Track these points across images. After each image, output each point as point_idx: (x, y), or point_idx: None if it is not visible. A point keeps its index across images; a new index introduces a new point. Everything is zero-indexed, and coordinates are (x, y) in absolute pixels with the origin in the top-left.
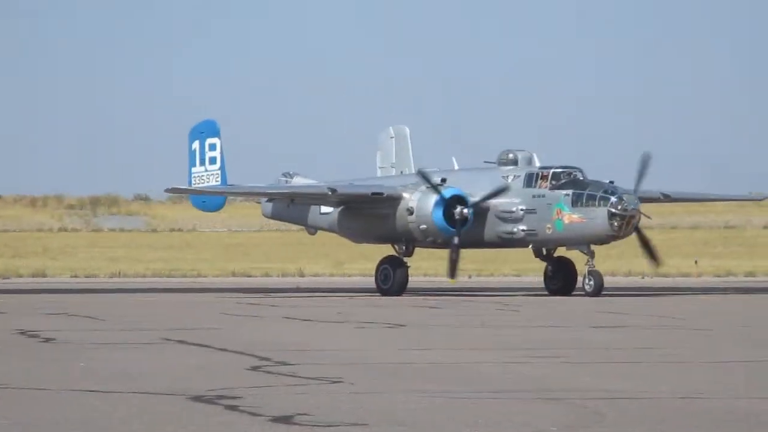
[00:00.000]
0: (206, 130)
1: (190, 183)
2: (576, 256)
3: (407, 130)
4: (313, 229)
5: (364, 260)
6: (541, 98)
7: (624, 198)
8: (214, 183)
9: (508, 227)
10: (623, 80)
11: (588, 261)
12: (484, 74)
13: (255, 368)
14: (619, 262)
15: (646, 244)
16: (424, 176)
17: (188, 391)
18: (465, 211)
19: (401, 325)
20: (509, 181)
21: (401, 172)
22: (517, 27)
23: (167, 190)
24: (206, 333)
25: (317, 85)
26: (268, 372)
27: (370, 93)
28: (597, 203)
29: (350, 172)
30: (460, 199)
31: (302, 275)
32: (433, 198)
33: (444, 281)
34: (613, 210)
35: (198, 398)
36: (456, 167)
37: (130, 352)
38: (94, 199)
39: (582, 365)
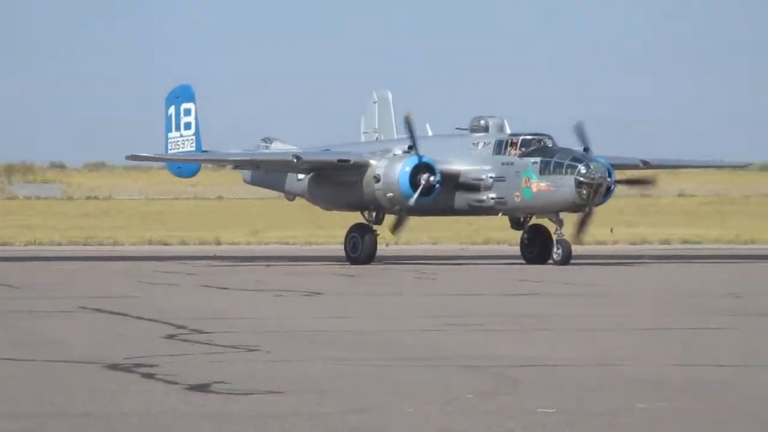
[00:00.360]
0: (182, 94)
1: (166, 148)
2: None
3: (389, 95)
4: (291, 196)
5: (282, 228)
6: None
7: (591, 166)
8: (189, 148)
9: (478, 195)
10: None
11: (557, 230)
12: (468, 40)
13: (171, 336)
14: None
15: (587, 217)
16: (409, 125)
17: (105, 359)
18: (431, 178)
19: (318, 293)
20: (479, 148)
21: (381, 137)
22: None
23: (128, 157)
24: (123, 301)
25: (304, 50)
26: (184, 340)
27: (356, 57)
28: (564, 171)
29: (334, 137)
30: (427, 167)
31: (219, 243)
32: (399, 165)
33: (417, 247)
34: (581, 178)
35: (114, 366)
36: (429, 134)
37: (46, 320)
38: (9, 167)
39: (498, 333)
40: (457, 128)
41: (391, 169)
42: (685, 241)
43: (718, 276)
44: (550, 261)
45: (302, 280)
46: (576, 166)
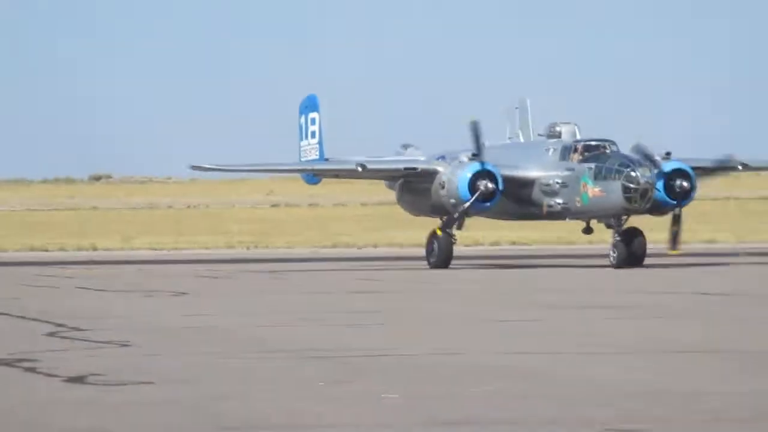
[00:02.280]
0: (309, 104)
1: (300, 157)
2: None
3: (528, 102)
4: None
5: (151, 235)
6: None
7: (638, 171)
8: (313, 156)
9: (548, 200)
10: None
11: (614, 233)
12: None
13: (51, 334)
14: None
15: (676, 223)
16: (475, 131)
17: None
18: (489, 185)
19: (185, 293)
20: (549, 154)
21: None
22: None
23: (192, 167)
24: (5, 302)
25: (442, 56)
26: (64, 337)
27: (495, 63)
28: (614, 176)
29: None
30: (488, 174)
31: (95, 249)
32: (460, 173)
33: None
34: (626, 183)
35: None
36: (521, 140)
37: None
38: None
39: (345, 327)
40: (539, 134)
41: (453, 177)
42: (513, 243)
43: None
44: (610, 263)
45: (170, 282)
46: (623, 171)
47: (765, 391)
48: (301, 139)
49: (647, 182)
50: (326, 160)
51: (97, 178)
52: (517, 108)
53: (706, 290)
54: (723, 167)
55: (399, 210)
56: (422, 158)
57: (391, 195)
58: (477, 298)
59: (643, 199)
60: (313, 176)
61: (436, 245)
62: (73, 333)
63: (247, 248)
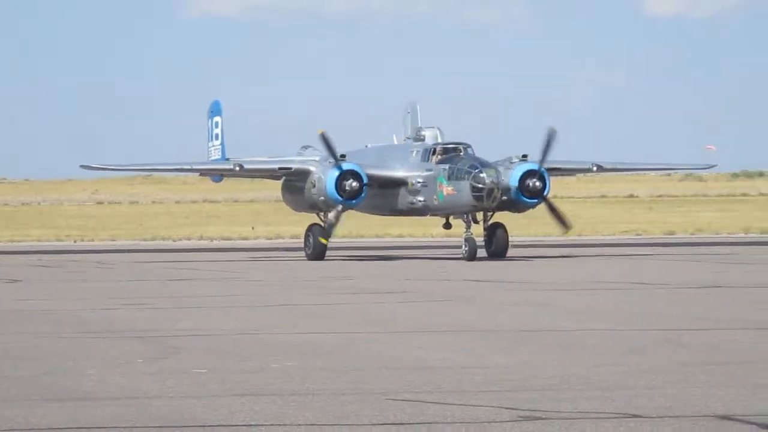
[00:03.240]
0: (215, 109)
1: (208, 157)
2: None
3: (417, 106)
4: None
5: None
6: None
7: (483, 172)
8: (216, 156)
9: (411, 198)
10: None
11: (466, 229)
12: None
13: None
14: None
15: (553, 211)
16: (325, 140)
17: None
18: (354, 184)
19: (18, 281)
20: (413, 155)
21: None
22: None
23: (82, 167)
24: None
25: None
26: None
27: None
28: (463, 177)
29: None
30: (354, 174)
31: None
32: (328, 173)
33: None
34: (474, 183)
35: None
36: (395, 142)
37: None
38: None
39: (162, 309)
40: (407, 138)
41: (323, 176)
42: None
43: (332, 265)
44: (462, 256)
45: (5, 270)
46: (471, 173)
47: (523, 363)
48: (209, 141)
49: (492, 182)
50: (227, 159)
51: None
52: (409, 113)
53: (482, 278)
54: (577, 168)
55: (208, 206)
56: (317, 158)
57: (203, 193)
58: (286, 285)
59: (489, 198)
60: (218, 176)
61: (311, 240)
62: None
63: (75, 241)
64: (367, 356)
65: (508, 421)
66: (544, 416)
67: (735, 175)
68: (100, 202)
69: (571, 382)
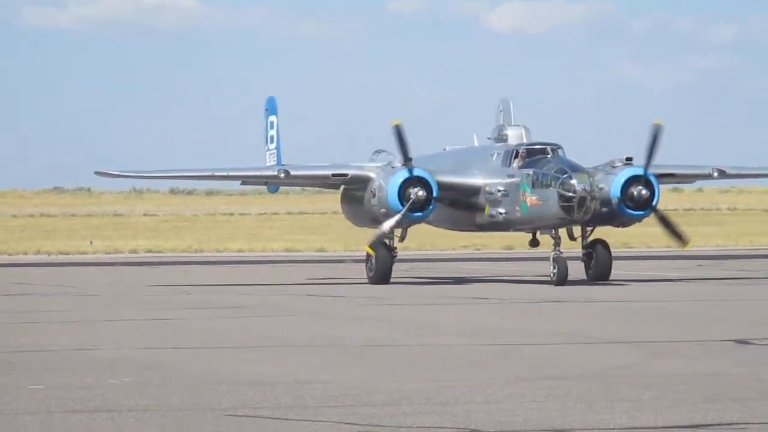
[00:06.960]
0: (270, 106)
1: (265, 163)
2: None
3: (510, 103)
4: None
5: None
6: None
7: (574, 178)
8: (271, 162)
9: (491, 209)
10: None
11: (554, 247)
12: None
13: None
14: None
15: (666, 224)
16: (398, 134)
17: None
18: (421, 193)
19: None
20: (493, 159)
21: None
22: None
23: (96, 173)
24: None
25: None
26: None
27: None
28: (550, 184)
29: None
30: (419, 180)
31: None
32: (390, 178)
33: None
34: (562, 191)
35: None
36: (476, 143)
37: None
38: None
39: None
40: (488, 137)
41: (383, 184)
42: (149, 251)
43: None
44: (550, 279)
45: None
46: (558, 178)
47: (363, 378)
48: (265, 144)
49: (584, 190)
50: (283, 165)
51: None
52: (501, 111)
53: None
54: (695, 174)
55: (44, 221)
56: (380, 164)
57: (38, 207)
58: (120, 299)
59: (580, 209)
60: (274, 186)
61: (373, 260)
62: None
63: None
64: (205, 371)
65: None
66: (383, 431)
67: None
68: None
69: (411, 396)
